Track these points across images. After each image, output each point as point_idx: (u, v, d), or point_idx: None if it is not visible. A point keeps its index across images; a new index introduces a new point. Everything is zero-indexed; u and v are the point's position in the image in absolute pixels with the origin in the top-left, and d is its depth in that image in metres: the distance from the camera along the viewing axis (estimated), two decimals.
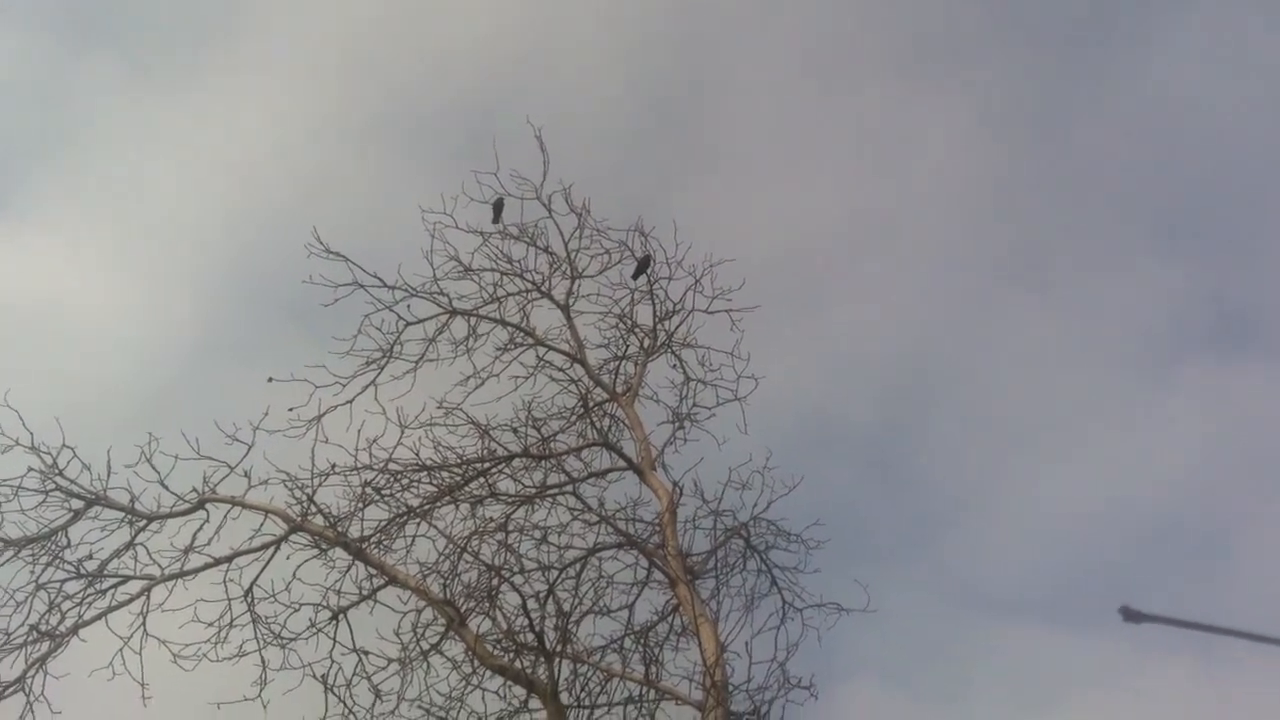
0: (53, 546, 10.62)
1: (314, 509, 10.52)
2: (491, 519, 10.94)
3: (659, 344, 12.27)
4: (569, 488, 11.02)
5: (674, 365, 12.26)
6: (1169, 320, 24.36)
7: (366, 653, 10.23)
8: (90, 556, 10.61)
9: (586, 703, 10.10)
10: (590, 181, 12.68)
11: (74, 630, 10.39)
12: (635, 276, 12.48)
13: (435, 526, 10.73)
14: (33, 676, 10.22)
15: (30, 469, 10.62)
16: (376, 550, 10.62)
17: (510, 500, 11.03)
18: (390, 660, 10.21)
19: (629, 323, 12.40)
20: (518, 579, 10.36)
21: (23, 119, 25.70)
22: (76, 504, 10.70)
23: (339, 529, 10.50)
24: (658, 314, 12.40)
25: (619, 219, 12.55)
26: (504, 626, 10.10)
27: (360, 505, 10.77)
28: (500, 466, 11.12)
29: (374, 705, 10.21)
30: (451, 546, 10.60)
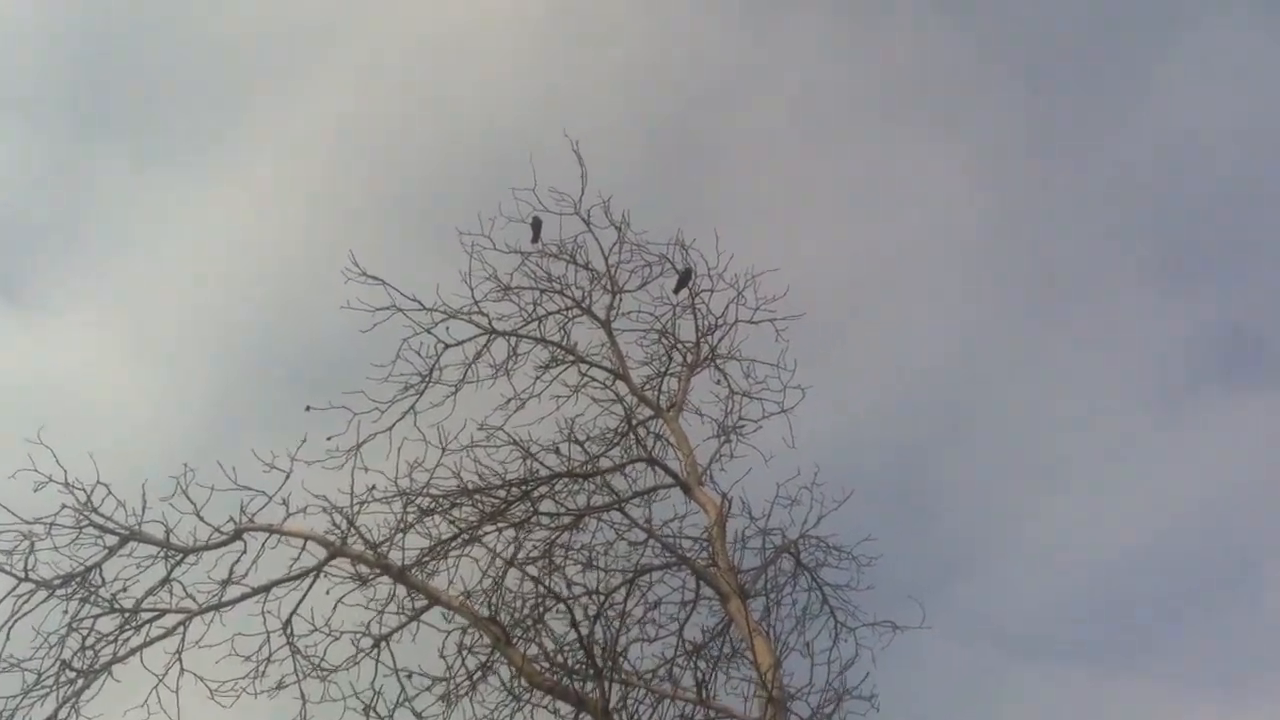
0: (87, 584, 10.34)
1: (354, 533, 10.18)
2: (535, 545, 10.63)
3: (702, 358, 12.05)
4: (615, 506, 10.69)
5: (718, 380, 12.07)
6: (1185, 350, 24.07)
7: (410, 674, 9.85)
8: (124, 591, 10.29)
9: None
10: (622, 198, 12.49)
11: (107, 666, 10.03)
12: (677, 290, 12.29)
13: (485, 545, 10.44)
14: (65, 717, 9.79)
15: (64, 506, 10.27)
16: (419, 574, 10.27)
17: (553, 525, 10.68)
18: (436, 679, 9.85)
19: (671, 338, 12.22)
20: (561, 607, 9.99)
21: (33, 209, 26.00)
22: (111, 540, 10.32)
23: (379, 553, 10.16)
24: (700, 328, 12.20)
25: (656, 233, 12.43)
26: (550, 648, 9.76)
27: (401, 531, 10.46)
28: (543, 487, 10.78)
29: None
30: (496, 569, 10.30)
